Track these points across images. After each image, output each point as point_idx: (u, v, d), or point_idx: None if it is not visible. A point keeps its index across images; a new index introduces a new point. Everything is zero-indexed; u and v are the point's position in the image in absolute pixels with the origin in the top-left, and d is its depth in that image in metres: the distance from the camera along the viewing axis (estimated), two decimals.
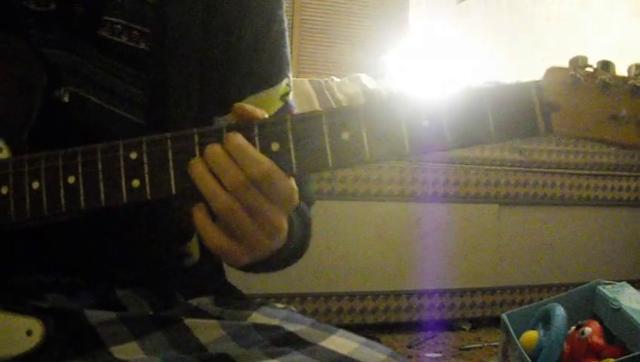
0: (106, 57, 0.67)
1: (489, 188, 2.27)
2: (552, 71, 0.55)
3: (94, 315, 0.64)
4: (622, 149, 0.56)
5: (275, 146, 0.54)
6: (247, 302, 0.73)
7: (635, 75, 0.54)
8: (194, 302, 0.71)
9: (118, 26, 0.68)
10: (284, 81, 0.77)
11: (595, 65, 0.55)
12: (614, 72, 0.54)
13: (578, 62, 0.54)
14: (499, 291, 2.33)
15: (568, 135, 0.54)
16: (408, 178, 2.16)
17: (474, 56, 4.28)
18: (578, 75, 0.54)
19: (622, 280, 1.77)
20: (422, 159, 2.17)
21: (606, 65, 0.54)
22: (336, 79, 2.36)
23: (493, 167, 2.27)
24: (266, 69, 0.74)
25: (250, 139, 0.54)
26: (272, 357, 0.59)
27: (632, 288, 1.69)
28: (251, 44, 0.73)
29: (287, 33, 0.78)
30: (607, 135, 0.53)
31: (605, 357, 1.53)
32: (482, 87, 0.54)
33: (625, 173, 2.46)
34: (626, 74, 0.54)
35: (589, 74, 0.54)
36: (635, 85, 0.53)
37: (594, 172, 2.41)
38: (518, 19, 3.95)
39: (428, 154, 0.70)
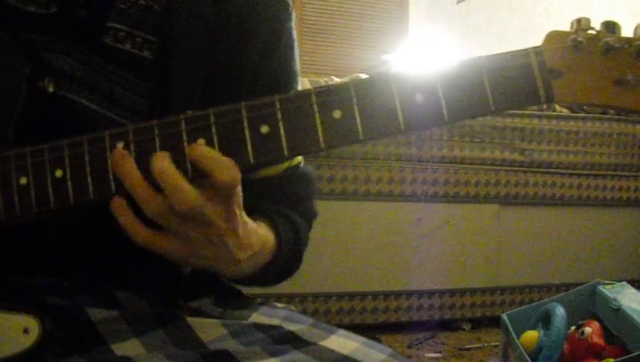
0: (107, 64, 0.66)
1: (489, 188, 2.27)
2: (553, 35, 0.51)
3: (95, 313, 0.64)
4: (628, 114, 0.54)
5: (264, 129, 0.53)
6: (248, 302, 0.73)
7: None
8: (194, 303, 0.71)
9: (122, 33, 0.66)
10: None
11: (598, 28, 0.51)
12: (620, 33, 0.51)
13: (580, 25, 0.51)
14: (499, 291, 2.33)
15: (571, 102, 0.51)
16: (408, 178, 2.15)
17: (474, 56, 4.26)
18: (580, 39, 0.50)
19: (622, 280, 1.77)
20: (422, 159, 2.17)
21: (611, 27, 0.51)
22: (336, 79, 2.35)
23: (493, 167, 2.27)
24: (271, 83, 0.72)
25: (238, 123, 0.53)
26: (273, 355, 0.59)
27: (632, 288, 1.69)
28: (258, 57, 0.71)
29: (295, 45, 0.75)
30: (612, 101, 0.50)
31: (605, 357, 1.53)
32: (478, 57, 0.51)
33: (625, 173, 2.46)
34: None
35: (591, 37, 0.50)
36: None
37: (594, 172, 2.40)
38: (518, 19, 3.95)
39: (424, 129, 0.67)
